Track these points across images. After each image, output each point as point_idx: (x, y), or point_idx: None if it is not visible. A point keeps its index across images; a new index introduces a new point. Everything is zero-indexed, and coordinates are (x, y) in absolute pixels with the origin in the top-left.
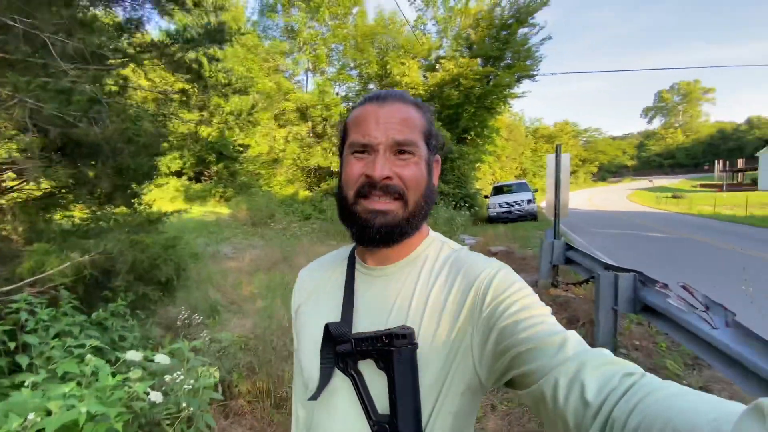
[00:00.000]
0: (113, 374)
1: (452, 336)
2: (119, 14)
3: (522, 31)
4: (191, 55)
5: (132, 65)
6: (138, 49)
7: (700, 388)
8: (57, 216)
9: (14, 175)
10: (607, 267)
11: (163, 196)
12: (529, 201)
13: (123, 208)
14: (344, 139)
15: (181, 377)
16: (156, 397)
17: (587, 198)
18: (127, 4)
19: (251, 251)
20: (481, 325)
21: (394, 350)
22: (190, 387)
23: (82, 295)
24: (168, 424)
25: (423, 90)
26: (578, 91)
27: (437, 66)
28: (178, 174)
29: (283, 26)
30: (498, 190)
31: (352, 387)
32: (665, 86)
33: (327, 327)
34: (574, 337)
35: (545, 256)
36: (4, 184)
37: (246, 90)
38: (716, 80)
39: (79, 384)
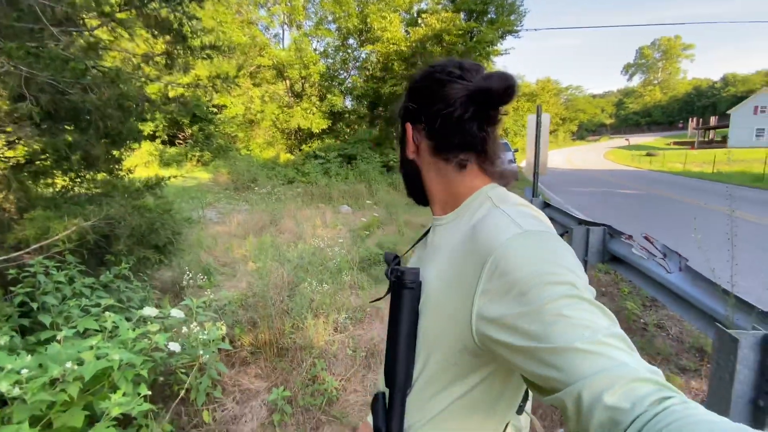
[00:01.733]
0: (133, 329)
1: (460, 308)
2: None
3: None
4: (170, 15)
5: (115, 25)
6: (116, 8)
7: (655, 325)
8: (41, 183)
9: None
10: (581, 222)
11: (137, 162)
12: (510, 161)
13: (104, 174)
14: None
15: (197, 328)
16: (174, 347)
17: (566, 157)
18: None
19: (237, 216)
20: (485, 300)
21: (394, 282)
22: (204, 337)
23: (86, 259)
24: (183, 372)
25: (405, 46)
26: (560, 47)
27: (419, 21)
28: (152, 138)
29: None
30: None
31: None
32: (647, 42)
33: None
34: (605, 340)
35: None
36: None
37: (230, 51)
38: (696, 37)
39: (101, 338)
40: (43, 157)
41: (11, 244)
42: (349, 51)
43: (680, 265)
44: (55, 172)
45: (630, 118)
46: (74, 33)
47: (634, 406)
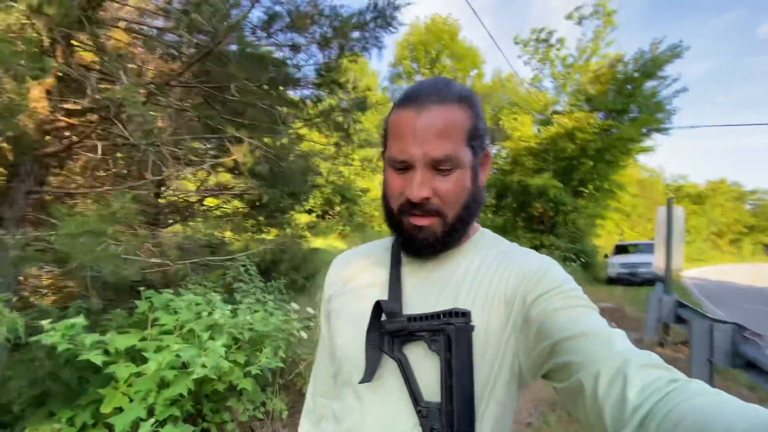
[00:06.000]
0: (282, 314)
1: (503, 324)
2: (304, 93)
3: (651, 84)
4: (342, 119)
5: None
6: (312, 115)
7: None
8: (248, 224)
9: (213, 199)
10: (715, 321)
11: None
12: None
13: (279, 228)
14: (385, 144)
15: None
16: (303, 334)
17: (752, 273)
18: (312, 89)
19: None
20: (526, 313)
21: (453, 328)
22: None
23: (263, 272)
24: (297, 373)
25: (535, 143)
26: (743, 146)
27: (552, 121)
28: (309, 212)
29: None
30: (621, 250)
31: (394, 371)
32: None
33: (378, 305)
34: (620, 334)
35: (652, 311)
36: (205, 204)
37: (377, 145)
38: None
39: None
40: (253, 210)
41: (227, 252)
42: None
43: None
44: (259, 219)
45: None
46: (288, 128)
47: (649, 385)
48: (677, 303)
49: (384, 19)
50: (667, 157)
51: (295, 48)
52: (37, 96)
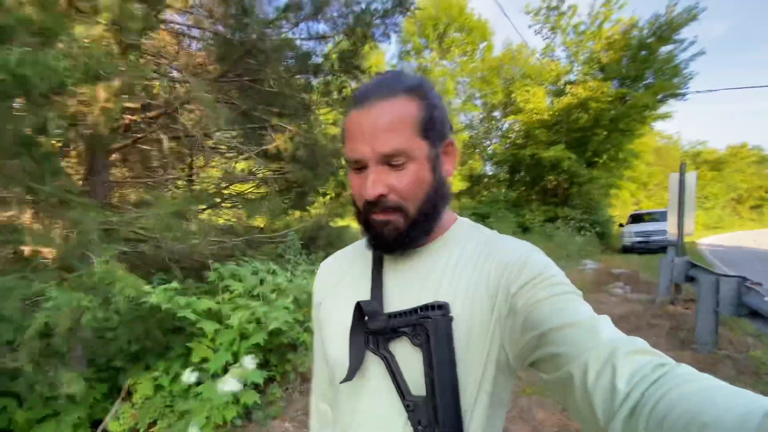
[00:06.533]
0: None
1: (487, 316)
2: (328, 80)
3: (666, 48)
4: None
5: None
6: (338, 100)
7: None
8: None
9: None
10: (721, 275)
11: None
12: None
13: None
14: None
15: None
16: None
17: None
18: (333, 74)
19: None
20: (511, 303)
21: (430, 321)
22: None
23: (305, 245)
24: None
25: (548, 115)
26: (765, 109)
27: (566, 91)
28: (323, 195)
29: (416, 66)
30: (636, 219)
31: (382, 369)
32: None
33: (358, 305)
34: (605, 321)
35: (664, 273)
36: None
37: None
38: None
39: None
40: (269, 193)
41: (272, 231)
42: (494, 122)
43: None
44: (285, 201)
45: None
46: (316, 115)
47: (636, 372)
48: (688, 264)
49: (403, 5)
50: (684, 124)
51: (321, 38)
52: (106, 97)
